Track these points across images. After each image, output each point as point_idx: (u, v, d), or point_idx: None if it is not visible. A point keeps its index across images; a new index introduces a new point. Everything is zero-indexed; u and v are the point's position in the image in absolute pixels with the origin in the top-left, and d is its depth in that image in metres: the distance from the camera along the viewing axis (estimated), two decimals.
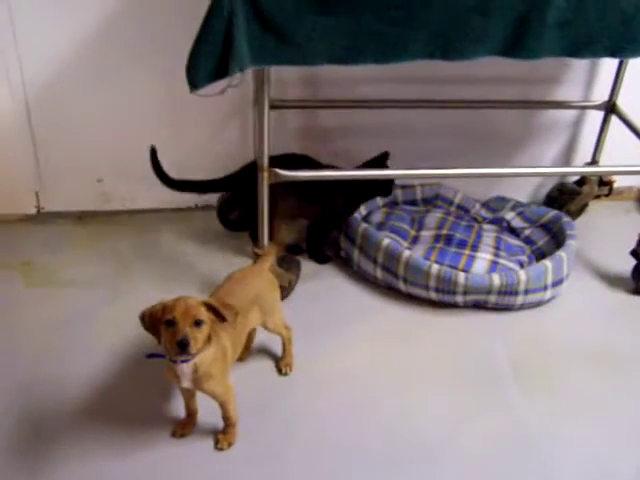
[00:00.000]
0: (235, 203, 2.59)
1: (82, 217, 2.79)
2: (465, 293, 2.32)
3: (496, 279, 2.30)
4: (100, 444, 1.86)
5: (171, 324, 1.61)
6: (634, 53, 1.97)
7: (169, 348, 1.64)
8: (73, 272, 2.49)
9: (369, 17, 1.76)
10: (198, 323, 1.62)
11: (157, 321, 1.63)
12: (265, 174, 2.10)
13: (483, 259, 2.46)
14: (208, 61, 1.73)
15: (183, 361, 1.68)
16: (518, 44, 1.86)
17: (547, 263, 2.36)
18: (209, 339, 1.69)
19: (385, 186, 2.55)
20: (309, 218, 2.60)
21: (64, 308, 2.33)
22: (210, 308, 1.66)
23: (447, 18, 1.79)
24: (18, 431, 1.89)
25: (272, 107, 2.36)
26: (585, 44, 1.90)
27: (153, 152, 2.40)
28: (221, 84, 1.81)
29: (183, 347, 1.60)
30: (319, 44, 1.79)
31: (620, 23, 1.86)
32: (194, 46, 1.72)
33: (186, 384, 1.74)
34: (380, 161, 2.47)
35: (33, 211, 2.77)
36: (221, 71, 1.75)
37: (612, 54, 1.95)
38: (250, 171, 2.30)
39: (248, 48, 1.76)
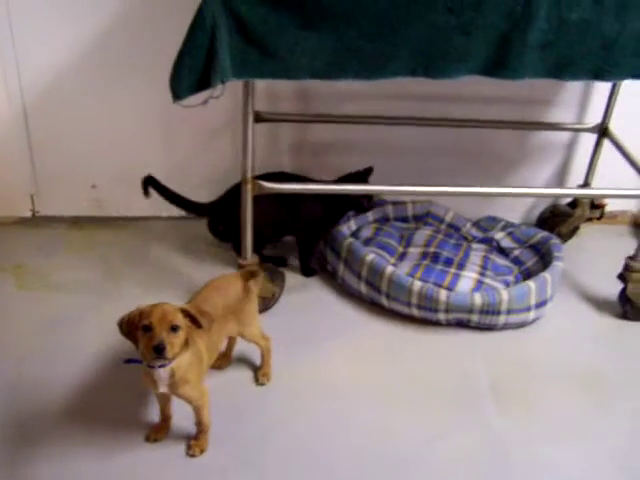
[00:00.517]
0: (219, 222, 2.61)
1: (76, 222, 2.83)
2: (447, 311, 2.32)
3: (477, 298, 2.30)
4: (80, 446, 1.89)
5: (148, 329, 1.63)
6: (617, 77, 1.99)
7: (146, 353, 1.66)
8: (64, 276, 2.53)
9: (351, 33, 1.78)
10: (174, 329, 1.64)
11: (134, 327, 1.66)
12: (249, 186, 2.13)
13: (468, 278, 2.47)
14: (191, 73, 1.76)
15: (160, 366, 1.70)
16: (500, 64, 1.88)
17: (530, 284, 2.37)
18: (186, 344, 1.71)
19: (358, 201, 2.57)
20: (293, 233, 2.62)
21: (53, 311, 2.36)
22: (187, 314, 1.68)
23: (428, 36, 1.81)
24: (1, 429, 1.92)
25: (262, 120, 2.40)
26: (566, 66, 1.91)
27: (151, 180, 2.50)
28: (204, 95, 1.83)
29: (159, 352, 1.62)
30: (301, 58, 1.81)
31: (601, 47, 1.87)
32: (177, 58, 1.75)
33: (162, 389, 1.76)
34: (362, 176, 2.49)
35: (28, 214, 2.82)
36: (203, 83, 1.77)
37: (595, 77, 1.96)
38: (231, 195, 2.39)
39: (230, 60, 1.78)
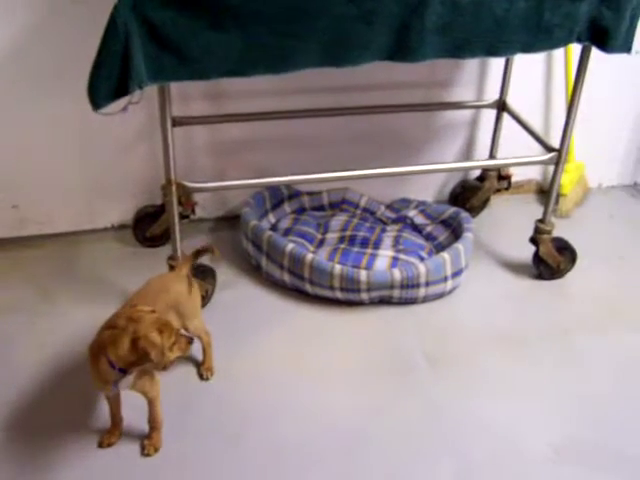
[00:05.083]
0: None
1: None
2: (369, 290, 2.40)
3: (396, 274, 2.39)
4: (27, 461, 1.89)
5: None
6: (509, 52, 2.09)
7: None
8: None
9: (259, 30, 1.83)
10: None
11: None
12: (173, 187, 2.18)
13: (384, 256, 2.56)
14: (108, 81, 1.77)
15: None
16: (402, 49, 1.96)
17: (445, 255, 2.46)
18: None
19: None
20: None
21: None
22: None
23: (333, 27, 1.87)
24: None
25: (177, 124, 2.42)
26: (463, 45, 2.01)
27: None
28: (123, 102, 1.87)
29: None
30: (214, 59, 1.85)
31: (493, 25, 1.99)
32: (93, 67, 1.76)
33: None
34: None
35: None
36: (121, 90, 1.79)
37: (489, 54, 2.06)
38: None
39: (146, 66, 1.80)
